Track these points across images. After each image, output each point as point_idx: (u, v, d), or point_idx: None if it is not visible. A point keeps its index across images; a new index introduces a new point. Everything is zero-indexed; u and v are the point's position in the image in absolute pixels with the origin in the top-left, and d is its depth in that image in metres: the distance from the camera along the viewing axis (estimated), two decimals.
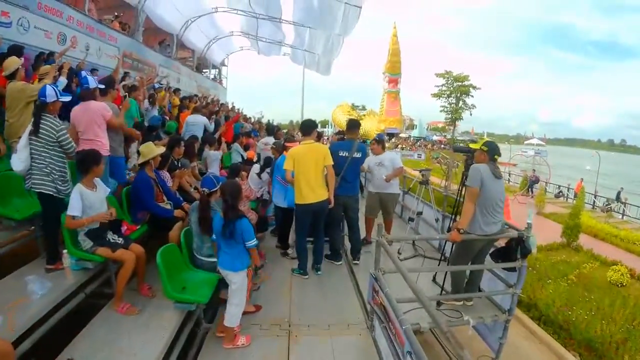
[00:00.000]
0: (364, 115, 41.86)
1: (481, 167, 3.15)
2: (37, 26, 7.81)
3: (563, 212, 13.83)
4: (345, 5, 11.81)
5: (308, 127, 4.19)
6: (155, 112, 7.70)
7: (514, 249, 3.09)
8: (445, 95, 14.25)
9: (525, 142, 33.16)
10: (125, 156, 4.73)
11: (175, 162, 4.94)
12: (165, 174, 4.40)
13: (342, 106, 44.46)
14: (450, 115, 14.20)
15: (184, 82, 15.10)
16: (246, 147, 9.90)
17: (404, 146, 35.35)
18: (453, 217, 4.01)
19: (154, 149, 3.95)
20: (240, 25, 16.86)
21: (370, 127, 39.74)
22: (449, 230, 3.82)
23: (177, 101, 10.42)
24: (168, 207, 3.99)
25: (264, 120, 28.06)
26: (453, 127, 14.27)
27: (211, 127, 9.35)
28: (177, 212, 3.94)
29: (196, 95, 13.29)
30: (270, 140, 7.49)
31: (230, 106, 17.75)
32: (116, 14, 10.94)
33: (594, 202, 19.35)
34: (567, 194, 20.99)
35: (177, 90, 11.39)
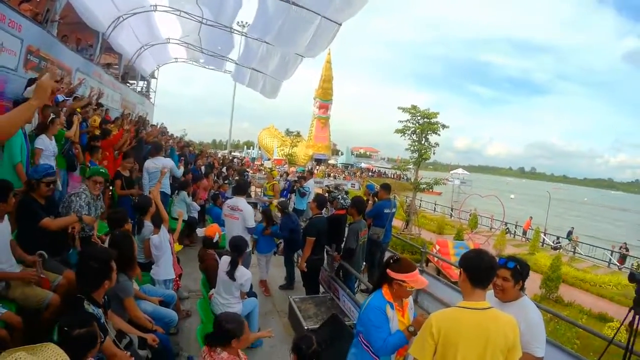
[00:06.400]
0: (297, 140, 40.71)
1: None
2: None
3: (520, 253, 13.87)
4: (322, 20, 10.08)
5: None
6: (49, 155, 4.40)
7: None
8: (409, 132, 13.87)
9: (451, 172, 35.47)
10: None
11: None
12: None
13: (269, 129, 43.02)
14: (416, 155, 13.76)
15: (106, 95, 11.79)
16: (194, 195, 7.25)
17: (335, 174, 34.96)
18: None
19: None
20: (181, 32, 14.23)
21: (298, 152, 38.83)
22: None
23: (96, 122, 6.74)
24: None
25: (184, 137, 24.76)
26: (417, 168, 13.70)
27: (179, 172, 6.75)
28: None
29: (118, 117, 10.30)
30: (241, 202, 4.57)
31: (158, 126, 14.77)
32: None
33: (544, 239, 18.94)
34: (515, 231, 20.74)
35: (99, 106, 8.20)
